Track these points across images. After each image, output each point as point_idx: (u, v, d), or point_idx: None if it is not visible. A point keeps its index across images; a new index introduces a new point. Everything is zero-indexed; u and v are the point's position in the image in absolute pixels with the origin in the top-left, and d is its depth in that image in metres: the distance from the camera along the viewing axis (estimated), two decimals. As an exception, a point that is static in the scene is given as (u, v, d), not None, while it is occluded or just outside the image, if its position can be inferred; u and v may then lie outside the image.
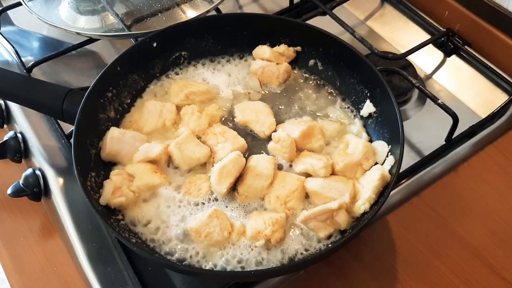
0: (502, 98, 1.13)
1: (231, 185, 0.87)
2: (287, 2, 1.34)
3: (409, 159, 1.03)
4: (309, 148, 0.94)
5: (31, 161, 1.04)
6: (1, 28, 1.27)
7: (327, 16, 1.26)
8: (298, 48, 1.08)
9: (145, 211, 0.86)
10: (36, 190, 0.98)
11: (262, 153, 0.94)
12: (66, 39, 1.28)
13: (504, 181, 1.01)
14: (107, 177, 0.88)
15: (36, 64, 1.14)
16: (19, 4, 1.23)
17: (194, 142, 0.91)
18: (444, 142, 1.05)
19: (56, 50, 1.18)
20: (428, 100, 1.10)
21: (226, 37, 1.08)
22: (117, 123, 0.97)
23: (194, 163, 0.90)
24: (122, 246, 0.89)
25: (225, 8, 1.32)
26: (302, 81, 1.07)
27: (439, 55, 1.25)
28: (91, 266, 0.88)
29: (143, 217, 0.86)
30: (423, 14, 1.30)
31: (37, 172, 1.00)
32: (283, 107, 1.02)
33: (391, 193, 0.83)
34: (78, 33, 1.13)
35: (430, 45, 1.22)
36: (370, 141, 0.96)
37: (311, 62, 1.07)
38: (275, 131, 0.95)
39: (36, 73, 1.16)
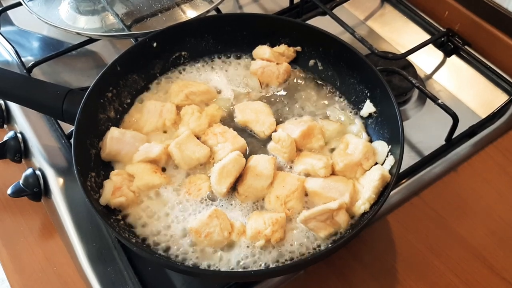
0: (502, 98, 1.13)
1: (231, 185, 0.87)
2: (287, 2, 1.34)
3: (409, 159, 1.03)
4: (309, 148, 0.94)
5: (31, 161, 1.04)
6: (1, 28, 1.27)
7: (327, 16, 1.26)
8: (298, 48, 1.08)
9: (145, 211, 0.86)
10: (36, 190, 0.97)
11: (262, 153, 0.94)
12: (66, 39, 1.28)
13: (504, 181, 1.01)
14: (107, 177, 0.88)
15: (36, 64, 1.14)
16: (19, 4, 1.23)
17: (194, 142, 0.91)
18: (444, 142, 1.05)
19: (56, 50, 1.18)
20: (428, 100, 1.10)
21: (226, 37, 1.08)
22: (117, 123, 0.97)
23: (194, 163, 0.90)
24: (122, 246, 0.89)
25: (225, 8, 1.32)
26: (302, 81, 1.07)
27: (439, 55, 1.25)
28: (91, 266, 0.88)
29: (143, 217, 0.85)
30: (423, 14, 1.30)
31: (37, 172, 1.00)
32: (283, 107, 1.02)
33: (391, 193, 0.83)
34: (78, 33, 1.13)
35: (430, 45, 1.22)
36: (370, 141, 0.96)
37: (311, 62, 1.07)
38: (275, 131, 0.95)
39: (36, 73, 1.16)
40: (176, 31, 1.04)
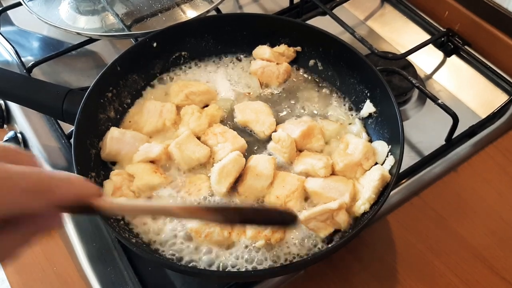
0: (502, 98, 1.13)
1: (231, 185, 0.87)
2: (287, 2, 1.34)
3: (409, 159, 1.03)
4: (309, 148, 0.94)
5: (31, 161, 1.04)
6: (1, 28, 1.27)
7: (327, 16, 1.26)
8: (298, 48, 1.08)
9: (145, 211, 0.86)
10: (36, 190, 0.97)
11: (262, 153, 0.94)
12: (66, 39, 1.28)
13: (504, 181, 1.01)
14: (107, 177, 0.88)
15: (36, 64, 1.14)
16: (19, 4, 1.23)
17: (194, 142, 0.91)
18: (444, 142, 1.05)
19: (56, 50, 1.18)
20: (428, 100, 1.10)
21: (226, 37, 1.08)
22: (117, 123, 0.97)
23: (194, 163, 0.90)
24: (122, 246, 0.89)
25: (225, 8, 1.32)
26: (302, 81, 1.07)
27: (439, 55, 1.25)
28: (91, 266, 0.88)
29: (143, 217, 0.85)
30: (423, 14, 1.30)
31: (37, 172, 1.00)
32: (283, 107, 1.02)
33: (391, 193, 0.83)
34: (78, 33, 1.13)
35: (430, 45, 1.22)
36: (370, 141, 0.96)
37: (311, 62, 1.07)
38: (275, 131, 0.95)
39: (36, 73, 1.16)
40: (176, 31, 1.04)
